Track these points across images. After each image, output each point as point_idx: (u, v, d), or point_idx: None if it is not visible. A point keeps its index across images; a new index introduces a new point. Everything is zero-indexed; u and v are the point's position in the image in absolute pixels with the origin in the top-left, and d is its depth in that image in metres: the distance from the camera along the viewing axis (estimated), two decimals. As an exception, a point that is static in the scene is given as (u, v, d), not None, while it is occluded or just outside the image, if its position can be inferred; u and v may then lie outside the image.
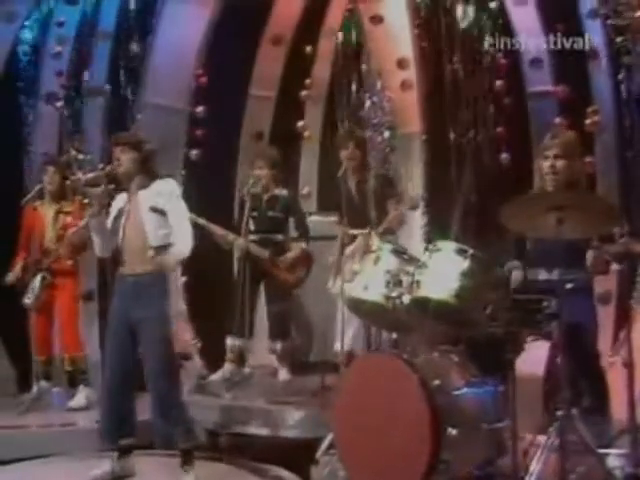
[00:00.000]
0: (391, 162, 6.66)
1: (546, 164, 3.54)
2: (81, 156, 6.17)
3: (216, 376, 5.34)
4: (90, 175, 3.80)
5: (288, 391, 5.04)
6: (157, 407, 3.69)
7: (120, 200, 3.90)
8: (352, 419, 3.17)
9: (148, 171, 3.84)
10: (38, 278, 5.01)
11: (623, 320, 4.91)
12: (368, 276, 3.35)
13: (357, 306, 3.48)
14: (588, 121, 5.11)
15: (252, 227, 5.43)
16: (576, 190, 3.41)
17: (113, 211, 3.86)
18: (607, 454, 3.16)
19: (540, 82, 6.07)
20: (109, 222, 3.83)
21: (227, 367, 5.39)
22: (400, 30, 6.70)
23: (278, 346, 5.44)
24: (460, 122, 6.58)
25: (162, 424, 3.69)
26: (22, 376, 6.02)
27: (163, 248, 3.71)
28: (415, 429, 2.90)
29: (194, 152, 6.36)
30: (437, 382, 2.99)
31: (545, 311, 3.12)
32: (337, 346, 4.78)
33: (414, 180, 6.74)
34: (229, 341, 5.33)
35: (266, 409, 4.58)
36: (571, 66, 5.80)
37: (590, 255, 3.24)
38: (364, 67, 6.87)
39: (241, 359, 5.45)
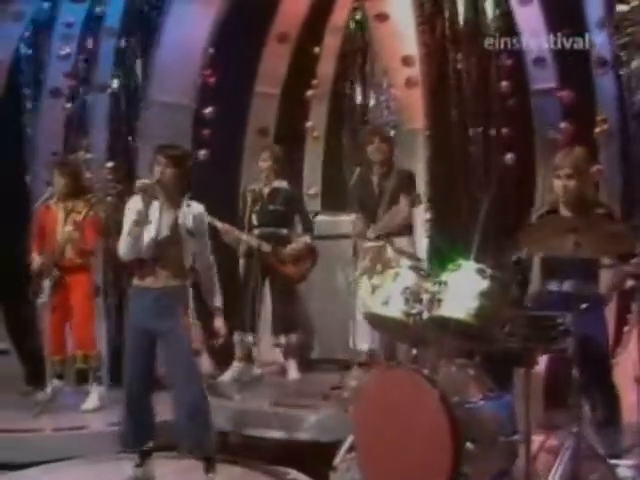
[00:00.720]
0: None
1: (559, 183, 3.64)
2: (89, 155, 6.19)
3: (226, 376, 5.43)
4: (146, 182, 3.78)
5: (299, 392, 5.12)
6: (189, 414, 3.75)
7: (136, 204, 3.81)
8: (373, 431, 3.25)
9: (186, 186, 3.90)
10: (50, 277, 5.06)
11: (625, 320, 5.05)
12: (387, 292, 3.42)
13: (377, 321, 3.57)
14: (597, 129, 5.17)
15: (255, 221, 5.49)
16: (591, 213, 3.53)
17: (131, 215, 3.80)
18: (618, 464, 3.27)
19: (544, 80, 6.11)
20: (128, 225, 3.80)
21: (236, 365, 5.47)
22: (405, 28, 6.74)
23: (282, 340, 5.51)
24: (464, 119, 6.66)
25: (195, 430, 3.77)
26: (31, 374, 6.13)
27: (190, 268, 3.85)
28: (436, 445, 3.00)
29: (202, 152, 6.39)
30: (457, 398, 3.09)
31: (559, 328, 3.22)
32: (363, 345, 4.87)
33: (417, 176, 6.82)
34: (237, 337, 5.41)
35: (278, 412, 4.64)
36: (575, 65, 5.85)
37: (609, 276, 3.34)
38: (369, 65, 6.91)
39: (249, 356, 5.54)
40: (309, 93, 6.77)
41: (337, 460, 3.82)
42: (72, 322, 5.14)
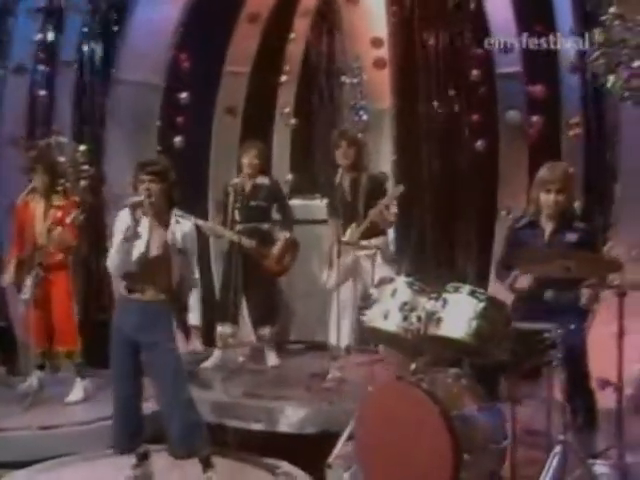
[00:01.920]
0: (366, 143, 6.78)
1: (549, 198, 3.83)
2: (62, 139, 6.09)
3: (208, 364, 5.57)
4: (136, 199, 3.80)
5: (281, 381, 5.29)
6: (178, 424, 3.83)
7: (126, 220, 3.83)
8: (374, 444, 3.43)
9: (172, 199, 3.92)
10: (32, 274, 5.06)
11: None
12: (386, 307, 3.60)
13: (375, 333, 3.75)
14: (571, 133, 5.35)
15: (237, 217, 5.60)
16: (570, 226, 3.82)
17: (120, 231, 3.82)
18: (595, 464, 3.58)
19: (509, 64, 6.24)
20: (117, 241, 3.83)
21: (217, 355, 5.62)
22: (376, 10, 6.80)
23: (266, 331, 5.67)
24: (431, 99, 6.78)
25: (184, 439, 3.85)
26: (7, 358, 6.17)
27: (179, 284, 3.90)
28: (437, 459, 3.21)
29: (177, 139, 6.39)
30: (455, 412, 3.31)
31: (546, 342, 3.46)
32: (332, 339, 5.05)
33: (384, 155, 6.96)
34: (220, 329, 5.55)
35: (261, 405, 4.80)
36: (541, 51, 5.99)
37: (586, 294, 3.60)
38: (339, 48, 6.95)
39: (230, 345, 5.69)
40: (283, 79, 6.77)
41: (332, 457, 4.03)
42: (53, 319, 5.15)
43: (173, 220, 3.91)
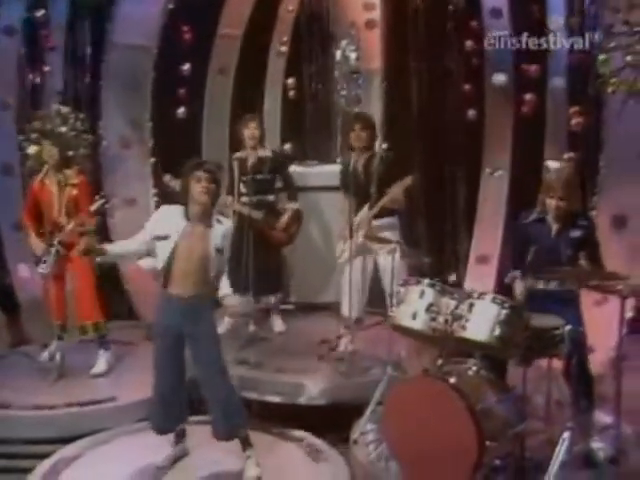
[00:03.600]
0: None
1: (552, 202, 4.18)
2: (64, 109, 6.10)
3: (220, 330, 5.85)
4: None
5: (293, 350, 5.60)
6: (221, 409, 4.10)
7: (171, 217, 4.07)
8: (403, 434, 3.83)
9: (216, 200, 4.11)
10: (53, 251, 5.20)
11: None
12: (414, 308, 3.99)
13: (404, 330, 4.14)
14: (573, 121, 5.58)
15: (243, 190, 5.82)
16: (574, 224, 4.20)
17: (163, 227, 4.04)
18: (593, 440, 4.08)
19: (498, 28, 6.39)
20: (151, 233, 4.06)
21: (227, 320, 5.90)
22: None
23: (272, 300, 5.99)
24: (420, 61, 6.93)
25: (226, 422, 4.13)
26: (11, 323, 6.37)
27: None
28: (462, 449, 3.60)
29: (180, 111, 6.48)
30: (480, 406, 3.72)
31: (557, 338, 3.87)
32: (345, 311, 5.37)
33: (374, 114, 7.13)
34: (230, 300, 5.78)
35: (276, 378, 5.11)
36: (530, 16, 6.16)
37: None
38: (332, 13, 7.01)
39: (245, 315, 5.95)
40: (282, 49, 6.84)
41: (357, 434, 4.43)
42: (75, 295, 5.34)
43: (214, 221, 4.07)
